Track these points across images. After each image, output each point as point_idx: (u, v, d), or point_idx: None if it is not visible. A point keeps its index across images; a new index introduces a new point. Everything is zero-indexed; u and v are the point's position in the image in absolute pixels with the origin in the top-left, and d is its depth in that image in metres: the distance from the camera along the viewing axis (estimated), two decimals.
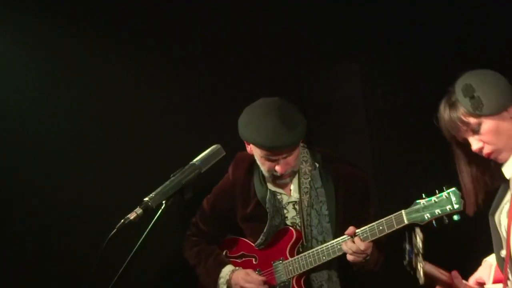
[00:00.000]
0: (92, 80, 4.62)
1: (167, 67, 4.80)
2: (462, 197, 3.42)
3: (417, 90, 4.74)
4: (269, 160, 3.92)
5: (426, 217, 3.61)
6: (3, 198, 4.45)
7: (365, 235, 3.78)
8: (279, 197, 4.08)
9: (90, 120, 4.62)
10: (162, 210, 2.66)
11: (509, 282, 2.91)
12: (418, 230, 2.79)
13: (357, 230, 3.79)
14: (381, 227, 3.74)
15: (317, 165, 4.07)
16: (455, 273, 2.85)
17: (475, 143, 2.92)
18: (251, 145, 3.96)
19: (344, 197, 4.01)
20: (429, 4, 4.80)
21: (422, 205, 3.63)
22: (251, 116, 3.91)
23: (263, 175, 4.07)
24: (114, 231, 2.60)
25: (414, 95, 4.77)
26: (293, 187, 4.06)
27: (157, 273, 4.74)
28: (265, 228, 4.06)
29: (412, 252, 2.76)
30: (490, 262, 3.12)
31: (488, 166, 3.01)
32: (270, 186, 4.08)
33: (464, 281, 2.89)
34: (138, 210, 2.64)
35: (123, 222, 2.62)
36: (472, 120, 2.89)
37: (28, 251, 4.48)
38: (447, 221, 3.56)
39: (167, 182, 2.70)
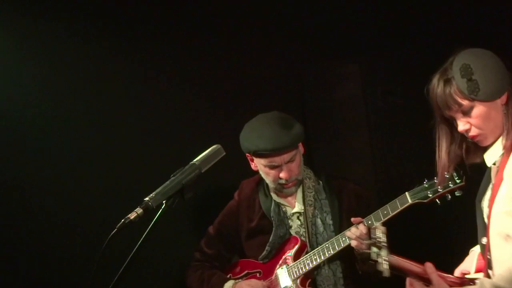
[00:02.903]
0: (92, 80, 4.63)
1: (168, 67, 4.80)
2: (464, 173, 3.45)
3: (417, 90, 4.73)
4: (273, 168, 4.02)
5: (429, 195, 3.69)
6: (3, 198, 4.45)
7: (369, 222, 3.82)
8: (283, 208, 4.16)
9: (90, 120, 4.62)
10: (162, 210, 2.66)
11: (489, 271, 2.90)
12: (378, 224, 2.80)
13: (364, 219, 3.85)
14: (385, 211, 3.81)
15: (321, 182, 4.17)
16: (428, 264, 2.83)
17: (462, 124, 2.90)
18: (254, 159, 4.08)
19: (347, 210, 4.08)
20: (429, 4, 4.80)
21: (424, 185, 3.71)
22: (251, 128, 4.06)
23: (267, 187, 4.17)
24: (115, 230, 2.60)
25: (414, 95, 4.77)
26: (297, 199, 4.14)
27: (157, 273, 4.74)
28: (270, 238, 4.12)
29: (371, 245, 2.76)
30: (476, 252, 3.13)
31: (467, 142, 2.99)
32: (275, 197, 4.17)
33: (438, 272, 2.87)
34: (139, 210, 2.64)
35: (123, 222, 2.62)
36: (465, 102, 2.86)
37: (28, 251, 4.49)
38: (450, 197, 3.63)
39: (167, 182, 2.70)
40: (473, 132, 2.89)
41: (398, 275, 2.86)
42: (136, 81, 4.74)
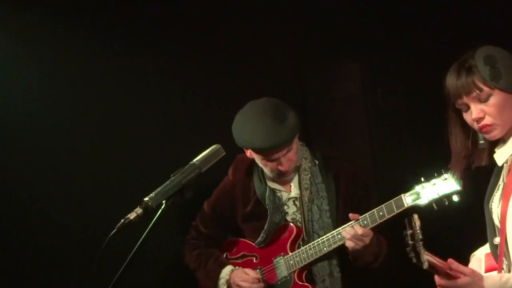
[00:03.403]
0: (92, 80, 4.62)
1: (167, 66, 4.80)
2: (462, 177, 3.44)
3: (417, 90, 4.75)
4: (270, 161, 3.95)
5: (426, 200, 3.63)
6: (3, 198, 4.45)
7: (365, 222, 3.80)
8: (279, 194, 4.10)
9: (89, 119, 4.62)
10: (162, 210, 2.67)
11: (503, 271, 2.89)
12: (416, 216, 2.78)
13: (360, 217, 3.82)
14: (381, 213, 3.76)
15: (317, 162, 4.09)
16: (451, 260, 2.83)
17: (476, 112, 2.88)
18: (249, 150, 4.00)
19: (344, 193, 4.04)
20: (429, 4, 4.80)
21: (421, 188, 3.64)
22: (243, 121, 3.94)
23: (262, 173, 4.10)
24: (114, 231, 2.61)
25: (414, 95, 4.78)
26: (293, 183, 4.09)
27: (157, 273, 4.74)
28: (265, 225, 4.08)
29: (414, 237, 2.75)
30: (479, 257, 3.11)
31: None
32: (270, 183, 4.11)
33: (461, 265, 2.88)
34: (138, 210, 2.64)
35: (123, 222, 2.62)
36: (486, 89, 2.87)
37: (27, 251, 4.48)
38: (447, 202, 3.57)
39: (167, 182, 2.70)
40: (486, 121, 2.88)
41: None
42: (135, 80, 4.73)
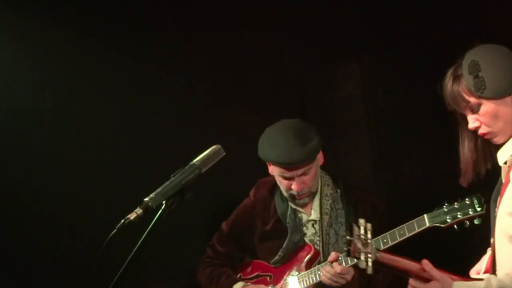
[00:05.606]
0: (92, 80, 4.63)
1: (168, 66, 4.81)
2: (485, 201, 3.45)
3: (417, 90, 4.74)
4: (285, 178, 4.02)
5: (448, 220, 3.66)
6: (3, 198, 4.45)
7: (385, 240, 3.81)
8: (299, 215, 4.14)
9: (90, 119, 4.62)
10: (162, 210, 2.66)
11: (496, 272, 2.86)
12: (361, 220, 2.77)
13: (380, 236, 3.81)
14: (401, 231, 3.79)
15: (339, 190, 4.16)
16: (425, 260, 2.80)
17: (471, 122, 2.85)
18: (271, 165, 4.07)
19: None
20: (429, 4, 4.80)
21: (444, 209, 3.69)
22: (268, 135, 4.04)
23: None
24: (114, 231, 2.60)
25: (414, 95, 4.78)
26: (314, 207, 4.13)
27: (157, 274, 4.74)
28: (284, 243, 4.10)
29: (351, 242, 2.73)
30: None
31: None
32: (291, 204, 4.14)
33: (437, 270, 2.84)
34: (138, 210, 2.63)
35: (123, 222, 2.62)
36: (473, 99, 2.82)
37: (28, 251, 4.49)
38: (468, 224, 3.61)
39: (167, 183, 2.70)
40: (483, 130, 2.84)
41: (398, 275, 2.84)
42: (136, 81, 4.74)
